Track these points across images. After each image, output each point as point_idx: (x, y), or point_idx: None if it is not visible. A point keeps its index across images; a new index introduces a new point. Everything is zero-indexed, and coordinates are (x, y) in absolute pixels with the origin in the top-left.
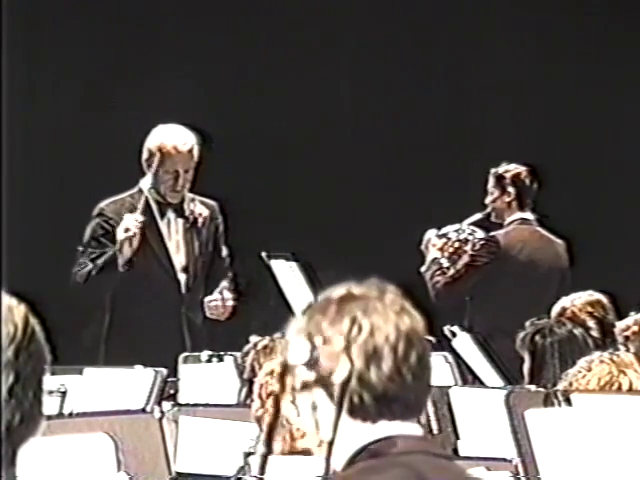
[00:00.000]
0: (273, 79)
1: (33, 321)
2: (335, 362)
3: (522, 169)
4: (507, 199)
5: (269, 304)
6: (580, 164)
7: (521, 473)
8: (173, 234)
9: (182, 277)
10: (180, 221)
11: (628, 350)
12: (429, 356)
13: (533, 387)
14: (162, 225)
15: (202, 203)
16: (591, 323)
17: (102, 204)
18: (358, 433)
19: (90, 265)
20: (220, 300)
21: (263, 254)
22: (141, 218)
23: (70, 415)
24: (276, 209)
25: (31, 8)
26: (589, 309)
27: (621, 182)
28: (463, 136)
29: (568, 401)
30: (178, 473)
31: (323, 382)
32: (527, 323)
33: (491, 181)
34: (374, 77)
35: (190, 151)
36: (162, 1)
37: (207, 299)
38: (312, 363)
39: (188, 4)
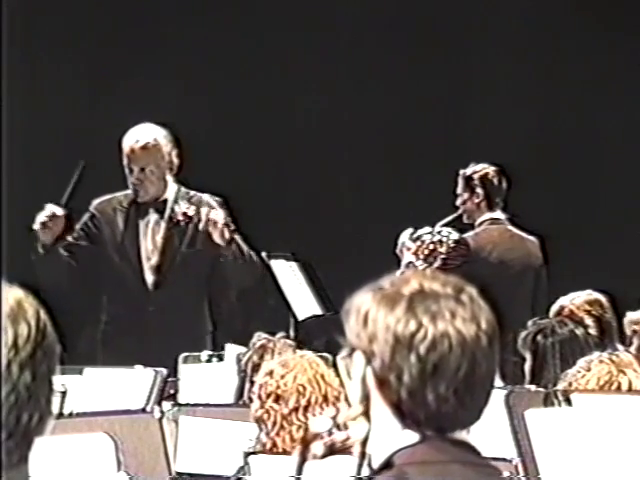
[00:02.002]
0: (274, 79)
1: (44, 315)
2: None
3: (490, 169)
4: (476, 200)
5: (269, 304)
6: (557, 162)
7: (521, 473)
8: (151, 235)
9: (150, 277)
10: (162, 221)
11: (631, 344)
12: (492, 370)
13: (533, 387)
14: (142, 225)
15: (191, 201)
16: (589, 321)
17: (96, 201)
18: (401, 435)
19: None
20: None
21: (263, 254)
22: (55, 209)
23: (70, 415)
24: (276, 209)
25: (21, 10)
26: (587, 307)
27: (599, 180)
28: (442, 137)
29: (568, 401)
30: (178, 473)
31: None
32: (529, 322)
33: (460, 182)
34: (359, 82)
35: (144, 148)
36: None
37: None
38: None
39: (182, 3)
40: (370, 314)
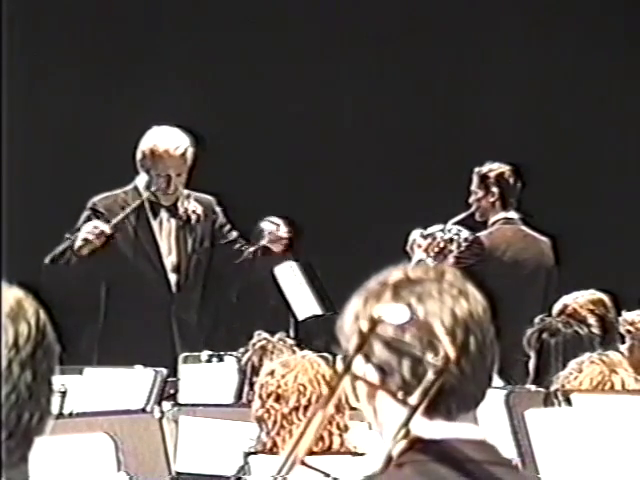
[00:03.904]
0: (274, 77)
1: (43, 314)
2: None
3: (505, 168)
4: (491, 199)
5: (269, 304)
6: (566, 162)
7: None
8: (165, 234)
9: (173, 277)
10: (173, 221)
11: (624, 342)
12: (491, 343)
13: (533, 387)
14: (155, 224)
15: (196, 200)
16: (592, 320)
17: (95, 198)
18: (416, 430)
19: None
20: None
21: None
22: (102, 227)
23: (70, 415)
24: (276, 209)
25: (29, 8)
26: (591, 307)
27: (607, 179)
28: (451, 135)
29: (568, 401)
30: (178, 473)
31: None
32: (536, 319)
33: (475, 181)
34: (366, 79)
35: (183, 155)
36: (160, 2)
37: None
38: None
39: (186, 4)
40: (360, 312)
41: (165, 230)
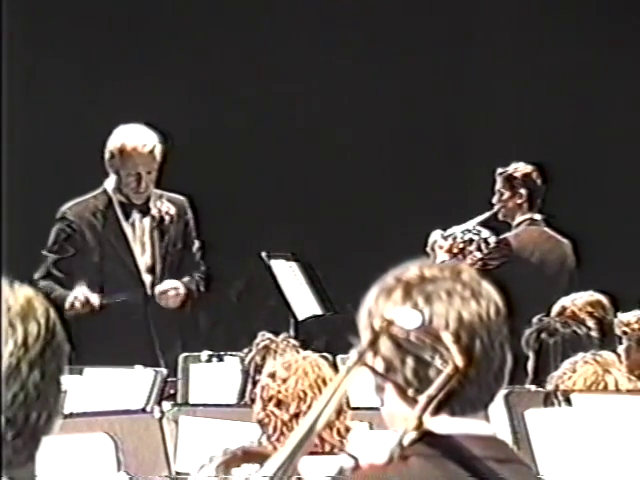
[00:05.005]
0: (277, 78)
1: (53, 313)
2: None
3: (531, 168)
4: (519, 200)
5: (269, 304)
6: (585, 163)
7: None
8: (138, 235)
9: (147, 278)
10: (146, 221)
11: (621, 343)
12: (501, 345)
13: (533, 387)
14: (127, 226)
15: (169, 200)
16: (591, 323)
17: (65, 207)
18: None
19: (45, 283)
20: (173, 289)
21: (263, 254)
22: (92, 299)
23: (70, 415)
24: (275, 210)
25: (21, 9)
26: (589, 309)
27: (626, 182)
28: (468, 135)
29: (568, 401)
30: (178, 473)
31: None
32: (534, 319)
33: (500, 181)
34: (374, 76)
35: (151, 152)
36: (138, 2)
37: (157, 289)
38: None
39: (163, 4)
40: (372, 307)
41: (139, 230)
